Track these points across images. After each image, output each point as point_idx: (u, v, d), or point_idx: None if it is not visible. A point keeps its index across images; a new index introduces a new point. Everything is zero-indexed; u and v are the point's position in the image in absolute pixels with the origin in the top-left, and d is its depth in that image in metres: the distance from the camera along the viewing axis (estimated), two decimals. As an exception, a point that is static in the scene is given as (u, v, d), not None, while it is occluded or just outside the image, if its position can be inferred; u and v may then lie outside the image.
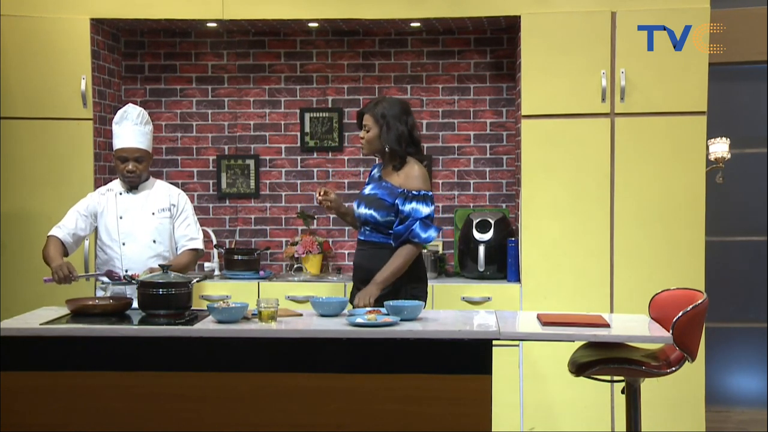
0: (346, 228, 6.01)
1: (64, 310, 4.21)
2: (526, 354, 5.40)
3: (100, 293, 4.72)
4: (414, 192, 4.45)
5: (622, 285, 5.36)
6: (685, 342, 3.96)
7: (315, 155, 6.11)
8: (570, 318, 4.11)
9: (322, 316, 4.13)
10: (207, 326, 3.92)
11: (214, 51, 6.12)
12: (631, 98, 5.33)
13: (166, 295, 4.02)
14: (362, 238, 4.60)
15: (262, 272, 5.81)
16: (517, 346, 5.37)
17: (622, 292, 5.36)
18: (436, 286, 5.44)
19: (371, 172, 4.74)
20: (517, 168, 5.62)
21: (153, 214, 4.68)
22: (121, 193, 4.70)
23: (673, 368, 4.05)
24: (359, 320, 3.92)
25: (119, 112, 4.68)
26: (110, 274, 4.54)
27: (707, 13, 5.29)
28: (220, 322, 3.96)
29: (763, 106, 6.31)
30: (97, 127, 5.60)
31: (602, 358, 4.12)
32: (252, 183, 6.12)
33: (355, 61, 6.07)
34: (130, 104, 4.72)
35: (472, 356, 3.79)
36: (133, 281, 4.24)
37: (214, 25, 5.80)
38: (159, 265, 4.23)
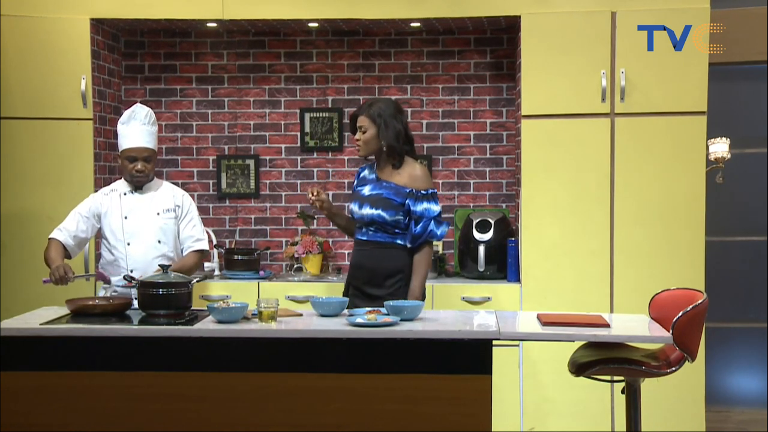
0: (347, 228, 6.01)
1: (64, 310, 4.21)
2: (526, 354, 5.40)
3: (102, 293, 4.72)
4: (423, 192, 4.52)
5: (622, 285, 5.36)
6: (685, 342, 3.97)
7: (315, 155, 6.11)
8: (570, 318, 4.11)
9: (322, 316, 4.13)
10: (207, 326, 3.92)
11: (214, 51, 6.12)
12: (631, 98, 5.33)
13: (166, 295, 4.03)
14: (364, 238, 4.60)
15: (262, 272, 5.81)
16: (517, 346, 5.37)
17: (622, 292, 5.36)
18: (436, 286, 5.45)
19: (359, 174, 4.74)
20: (517, 168, 5.62)
21: (158, 214, 4.69)
22: (125, 193, 4.71)
23: (673, 368, 4.06)
24: (359, 320, 3.92)
25: (127, 112, 4.68)
26: (102, 276, 4.55)
27: (707, 13, 5.29)
28: (220, 322, 3.96)
29: (763, 106, 6.31)
30: (97, 127, 5.60)
31: (602, 358, 4.12)
32: (252, 183, 6.12)
33: (355, 61, 6.07)
34: (138, 104, 4.73)
35: (472, 356, 3.79)
36: (132, 282, 4.24)
37: (214, 25, 5.80)
38: (159, 265, 4.22)
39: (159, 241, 4.66)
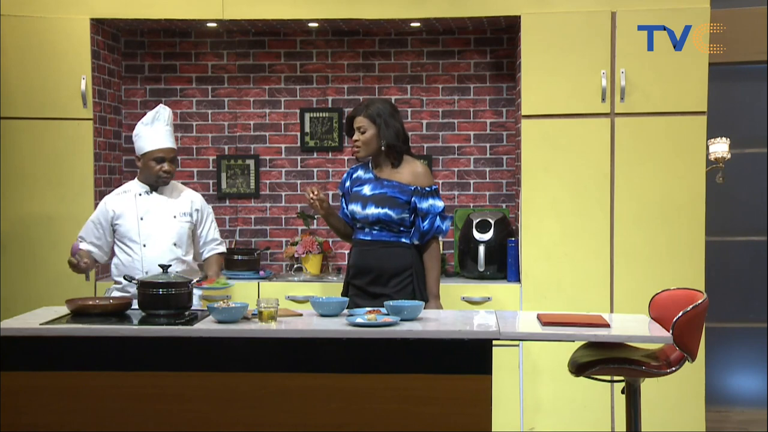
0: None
1: (64, 310, 4.21)
2: (526, 354, 5.40)
3: (114, 293, 4.71)
4: (427, 188, 4.57)
5: (622, 285, 5.36)
6: (685, 342, 3.96)
7: (315, 155, 6.11)
8: (570, 318, 4.11)
9: (322, 316, 4.13)
10: (207, 326, 3.92)
11: (214, 51, 6.12)
12: (631, 98, 5.33)
13: (166, 295, 4.03)
14: (368, 238, 4.60)
15: (262, 272, 5.81)
16: (517, 346, 5.37)
17: (622, 292, 5.36)
18: (436, 286, 5.44)
19: (351, 174, 4.73)
20: (517, 168, 5.62)
21: (174, 217, 4.70)
22: (140, 194, 4.71)
23: (673, 368, 4.05)
24: (359, 320, 3.92)
25: (150, 114, 4.71)
26: (75, 248, 4.60)
27: (707, 13, 5.29)
28: (220, 322, 3.96)
29: (763, 106, 6.31)
30: (97, 127, 5.61)
31: (602, 358, 4.11)
32: (252, 183, 6.12)
33: (355, 61, 6.07)
34: (161, 105, 4.76)
35: (472, 356, 3.79)
36: (132, 281, 4.24)
37: (214, 25, 5.80)
38: (159, 265, 4.22)
39: (174, 244, 4.67)
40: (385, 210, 4.53)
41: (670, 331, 3.90)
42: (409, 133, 4.95)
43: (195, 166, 6.15)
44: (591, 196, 5.38)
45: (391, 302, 4.10)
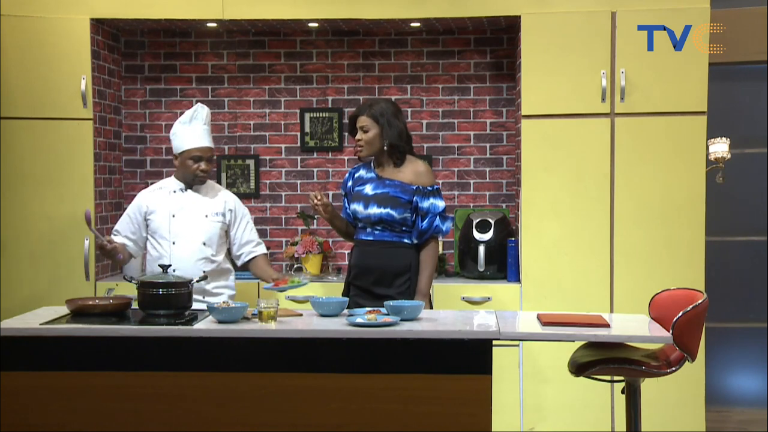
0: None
1: (64, 310, 4.21)
2: (526, 354, 5.40)
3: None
4: (429, 188, 4.56)
5: (622, 285, 5.36)
6: (685, 342, 3.96)
7: (315, 155, 6.11)
8: (570, 318, 4.11)
9: (322, 316, 4.13)
10: (207, 326, 3.92)
11: (214, 51, 6.12)
12: (631, 98, 5.33)
13: (166, 295, 4.03)
14: (370, 238, 4.60)
15: (262, 272, 5.81)
16: (517, 346, 5.37)
17: (622, 292, 5.36)
18: (436, 286, 5.44)
19: (352, 174, 4.74)
20: (517, 168, 5.62)
21: (206, 216, 4.70)
22: (175, 191, 4.72)
23: (673, 368, 4.05)
24: (359, 320, 3.92)
25: (188, 113, 4.73)
26: (88, 217, 4.46)
27: (707, 13, 5.29)
28: (220, 322, 3.96)
29: (763, 106, 6.31)
30: (97, 127, 5.60)
31: (602, 358, 4.11)
32: (252, 183, 6.12)
33: (355, 61, 6.07)
34: (199, 104, 4.78)
35: (472, 356, 3.79)
36: (132, 281, 4.24)
37: (214, 25, 5.80)
38: (159, 265, 4.23)
39: (204, 243, 4.66)
40: (387, 210, 4.53)
41: (670, 331, 3.91)
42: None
43: (195, 166, 6.15)
44: (591, 196, 5.38)
45: (391, 302, 4.10)
